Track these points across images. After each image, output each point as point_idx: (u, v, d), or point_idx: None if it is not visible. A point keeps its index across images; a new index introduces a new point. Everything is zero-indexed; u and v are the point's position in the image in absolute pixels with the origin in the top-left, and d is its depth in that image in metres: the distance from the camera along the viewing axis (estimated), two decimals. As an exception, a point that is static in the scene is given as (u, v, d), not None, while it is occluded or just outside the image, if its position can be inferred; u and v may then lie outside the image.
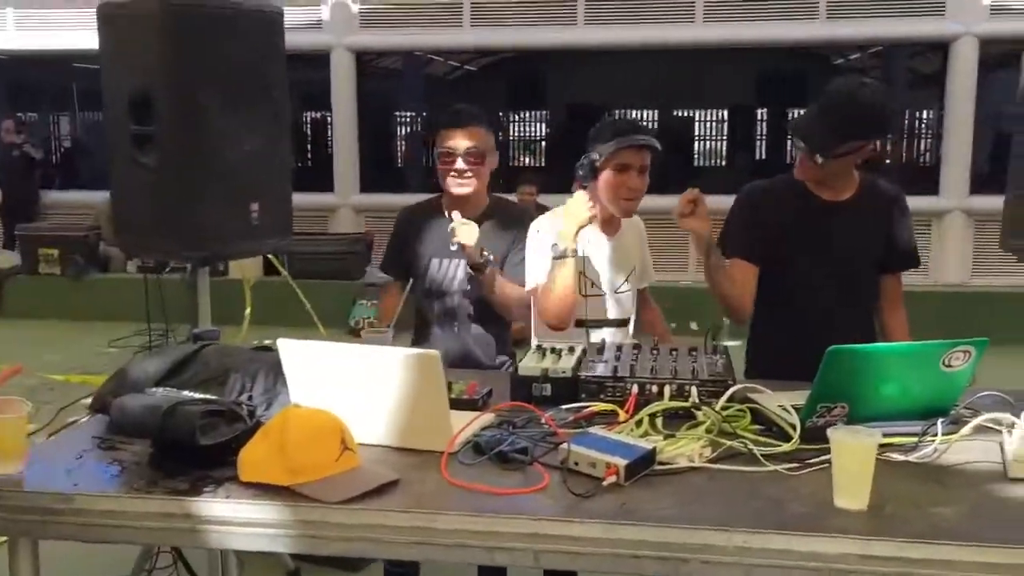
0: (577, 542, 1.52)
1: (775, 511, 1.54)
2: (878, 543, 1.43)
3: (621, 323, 2.77)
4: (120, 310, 6.71)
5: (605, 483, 1.62)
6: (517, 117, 12.61)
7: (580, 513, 1.54)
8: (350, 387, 1.83)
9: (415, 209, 3.00)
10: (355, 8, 9.34)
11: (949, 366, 1.79)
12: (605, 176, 2.63)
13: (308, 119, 11.54)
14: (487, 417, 1.96)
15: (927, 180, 8.98)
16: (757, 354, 2.82)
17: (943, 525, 1.47)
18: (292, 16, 9.22)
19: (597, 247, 2.73)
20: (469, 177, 2.78)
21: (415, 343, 2.91)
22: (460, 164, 2.76)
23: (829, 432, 1.55)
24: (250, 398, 1.99)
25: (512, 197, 7.88)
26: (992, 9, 8.38)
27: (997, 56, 8.80)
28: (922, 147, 11.58)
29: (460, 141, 2.77)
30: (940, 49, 8.81)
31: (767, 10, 8.76)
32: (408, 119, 11.67)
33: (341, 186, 9.52)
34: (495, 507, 1.58)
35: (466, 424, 1.85)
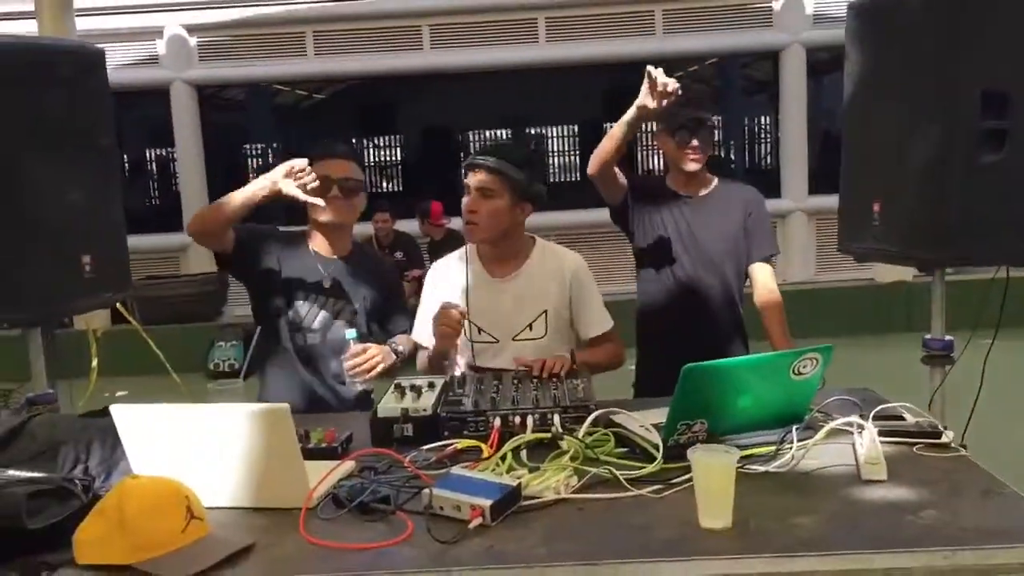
0: (445, 593, 1.46)
1: (642, 538, 1.52)
2: (744, 561, 1.43)
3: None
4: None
5: (471, 526, 1.57)
6: (371, 143, 12.49)
7: (447, 561, 1.48)
8: (195, 450, 1.71)
9: (283, 237, 2.78)
10: (192, 41, 9.04)
11: (799, 374, 1.82)
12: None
13: (152, 156, 11.09)
14: (347, 466, 1.88)
15: (769, 183, 9.37)
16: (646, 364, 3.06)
17: (804, 536, 1.48)
18: (126, 52, 8.96)
19: (485, 290, 2.64)
20: (341, 207, 2.66)
21: (265, 375, 2.76)
22: (335, 191, 2.63)
23: (689, 454, 1.55)
24: (86, 470, 1.83)
25: (368, 224, 7.80)
26: (815, 18, 8.85)
27: (824, 62, 9.29)
28: (762, 152, 12.11)
29: (335, 171, 2.64)
30: (770, 58, 9.24)
31: (606, 27, 8.98)
32: (258, 151, 11.37)
33: (191, 224, 9.16)
34: (358, 563, 1.50)
35: (324, 476, 1.77)
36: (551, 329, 2.61)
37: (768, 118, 10.37)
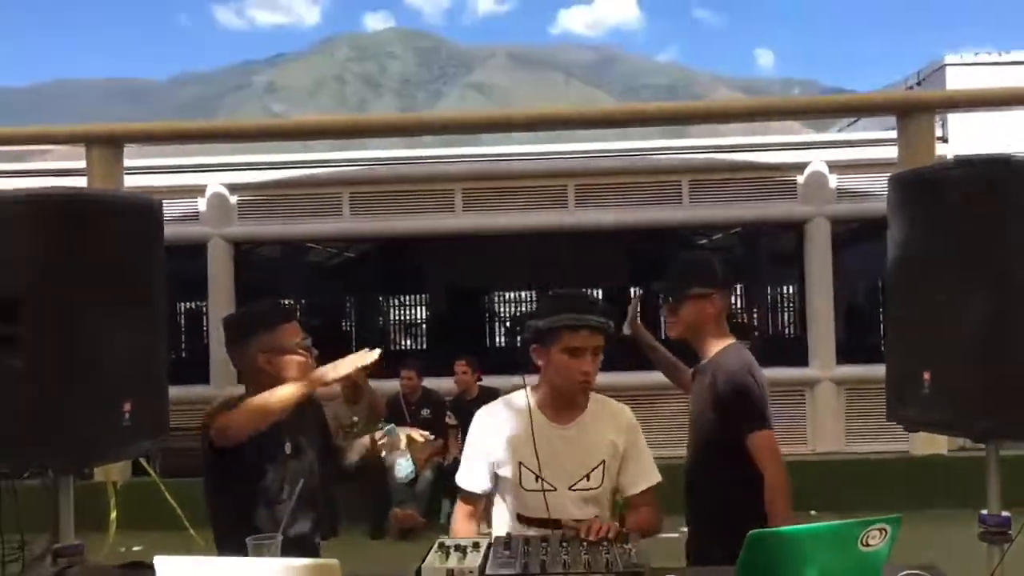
0: None
1: None
2: None
3: None
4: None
5: None
6: (397, 301, 12.66)
7: None
8: (238, 607, 1.65)
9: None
10: (233, 199, 9.35)
11: (867, 545, 1.75)
12: (557, 359, 2.55)
13: (182, 309, 11.27)
14: (390, 630, 1.80)
15: (795, 351, 9.33)
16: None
17: None
18: (169, 209, 9.23)
19: (546, 438, 2.60)
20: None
21: None
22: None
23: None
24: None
25: (394, 382, 7.79)
26: (839, 192, 9.05)
27: (848, 233, 9.44)
28: (786, 320, 12.14)
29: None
30: (795, 228, 9.40)
31: (634, 195, 9.22)
32: (289, 306, 11.54)
33: (217, 377, 9.19)
34: None
35: (368, 640, 1.69)
36: (606, 479, 2.59)
37: (792, 287, 10.47)
